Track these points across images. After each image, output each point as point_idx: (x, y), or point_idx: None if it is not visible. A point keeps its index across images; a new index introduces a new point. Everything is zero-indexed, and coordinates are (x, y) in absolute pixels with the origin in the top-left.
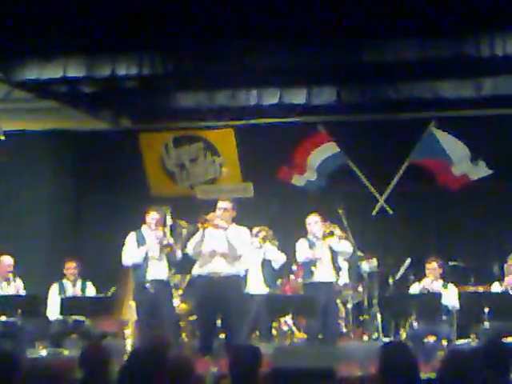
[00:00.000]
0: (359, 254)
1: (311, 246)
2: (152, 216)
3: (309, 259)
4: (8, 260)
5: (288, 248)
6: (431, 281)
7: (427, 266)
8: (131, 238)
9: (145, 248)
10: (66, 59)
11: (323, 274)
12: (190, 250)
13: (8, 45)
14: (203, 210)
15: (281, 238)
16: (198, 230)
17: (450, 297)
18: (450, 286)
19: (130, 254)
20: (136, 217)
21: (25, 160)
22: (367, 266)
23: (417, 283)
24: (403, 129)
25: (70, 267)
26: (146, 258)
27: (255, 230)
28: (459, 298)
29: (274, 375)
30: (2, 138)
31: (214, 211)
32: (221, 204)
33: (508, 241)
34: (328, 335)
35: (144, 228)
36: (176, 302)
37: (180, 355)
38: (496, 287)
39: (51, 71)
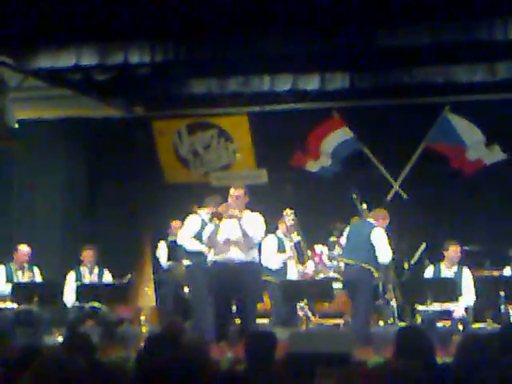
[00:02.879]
0: None
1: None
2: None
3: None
4: (25, 249)
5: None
6: (451, 265)
7: (451, 249)
8: (196, 221)
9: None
10: (78, 47)
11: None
12: (204, 239)
13: (21, 33)
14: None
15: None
16: (212, 218)
17: (465, 283)
18: (465, 270)
19: (193, 238)
20: (150, 204)
21: (38, 148)
22: None
23: (431, 266)
24: (417, 114)
25: (88, 255)
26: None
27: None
28: (474, 282)
29: (290, 360)
30: (16, 126)
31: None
32: (233, 192)
33: None
34: (368, 318)
35: (203, 214)
36: None
37: (195, 341)
38: (507, 271)
39: (64, 59)
